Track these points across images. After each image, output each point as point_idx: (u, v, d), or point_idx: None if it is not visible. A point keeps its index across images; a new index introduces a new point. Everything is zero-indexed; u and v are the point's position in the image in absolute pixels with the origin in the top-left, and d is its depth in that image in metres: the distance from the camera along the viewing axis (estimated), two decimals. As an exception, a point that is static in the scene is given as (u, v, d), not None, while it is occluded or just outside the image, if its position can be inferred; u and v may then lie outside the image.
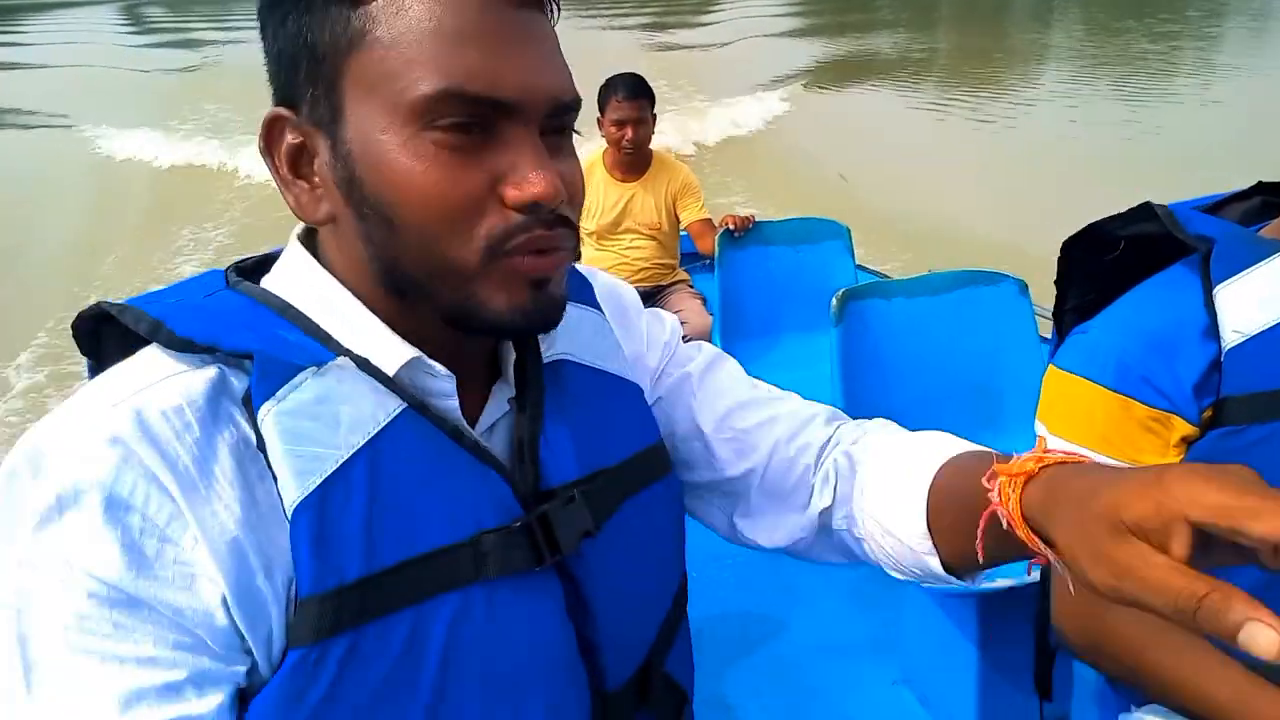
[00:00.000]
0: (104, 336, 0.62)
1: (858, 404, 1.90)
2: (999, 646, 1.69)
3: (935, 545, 0.66)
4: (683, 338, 3.13)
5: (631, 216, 3.19)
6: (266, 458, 0.53)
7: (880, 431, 0.78)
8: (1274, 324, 0.89)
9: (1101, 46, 21.05)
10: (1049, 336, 1.19)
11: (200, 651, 0.51)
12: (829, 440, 0.78)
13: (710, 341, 2.91)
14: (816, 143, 10.77)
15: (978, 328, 1.99)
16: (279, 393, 0.54)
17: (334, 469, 0.54)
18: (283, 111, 0.59)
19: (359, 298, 0.60)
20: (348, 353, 0.58)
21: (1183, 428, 0.90)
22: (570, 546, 0.62)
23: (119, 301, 0.60)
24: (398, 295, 0.59)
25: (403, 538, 0.55)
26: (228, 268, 0.66)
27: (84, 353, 0.64)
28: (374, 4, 0.55)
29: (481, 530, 0.58)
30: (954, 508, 0.63)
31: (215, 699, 0.51)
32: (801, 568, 2.40)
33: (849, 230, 2.93)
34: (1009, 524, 0.53)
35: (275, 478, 0.53)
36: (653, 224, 3.19)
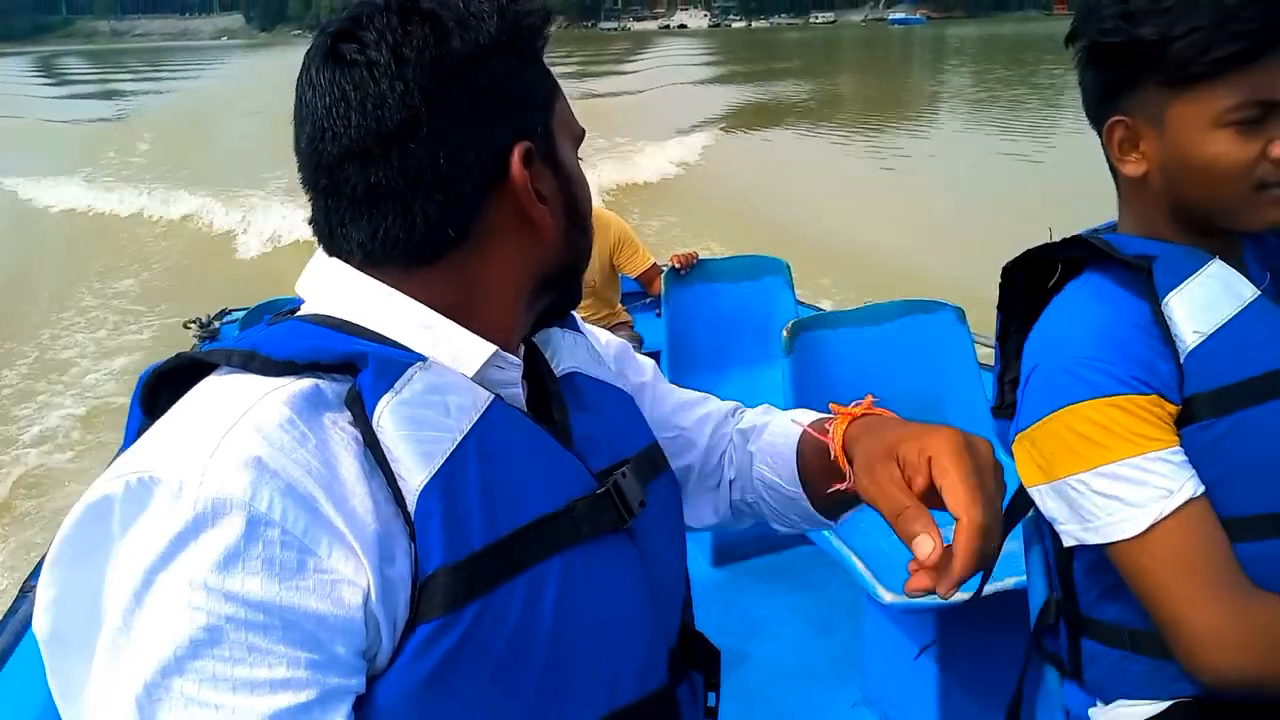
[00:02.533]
0: (161, 396, 0.62)
1: (811, 431, 1.95)
2: (956, 659, 1.74)
3: (805, 490, 0.83)
4: None
5: None
6: (377, 453, 0.57)
7: (762, 412, 0.93)
8: (1224, 323, 0.96)
9: (990, 91, 22.28)
10: (987, 362, 1.25)
11: (329, 670, 0.53)
12: (732, 426, 0.92)
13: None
14: (736, 180, 11.12)
15: (919, 354, 2.07)
16: (396, 385, 0.58)
17: (452, 449, 0.59)
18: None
19: None
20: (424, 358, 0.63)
21: (1170, 407, 0.94)
22: (636, 512, 0.68)
23: (199, 350, 0.62)
24: None
25: (513, 509, 0.60)
26: (266, 319, 0.68)
27: (146, 413, 0.63)
28: None
29: (573, 499, 0.64)
30: (813, 456, 0.81)
31: (339, 715, 0.53)
32: (758, 598, 2.46)
33: (789, 266, 3.02)
34: (833, 454, 0.73)
35: (390, 469, 0.56)
36: (589, 283, 3.20)
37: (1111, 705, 1.06)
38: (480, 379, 0.65)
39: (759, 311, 2.93)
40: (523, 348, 0.74)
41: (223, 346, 0.61)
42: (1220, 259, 1.00)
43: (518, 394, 0.68)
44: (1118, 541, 0.93)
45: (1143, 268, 0.98)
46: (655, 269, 3.21)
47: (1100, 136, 1.04)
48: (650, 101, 21.44)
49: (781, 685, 2.12)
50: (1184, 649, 0.91)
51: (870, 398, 0.82)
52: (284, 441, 0.54)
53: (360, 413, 0.57)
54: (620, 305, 3.43)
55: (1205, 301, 0.97)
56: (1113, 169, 1.06)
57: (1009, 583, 1.50)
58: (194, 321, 3.66)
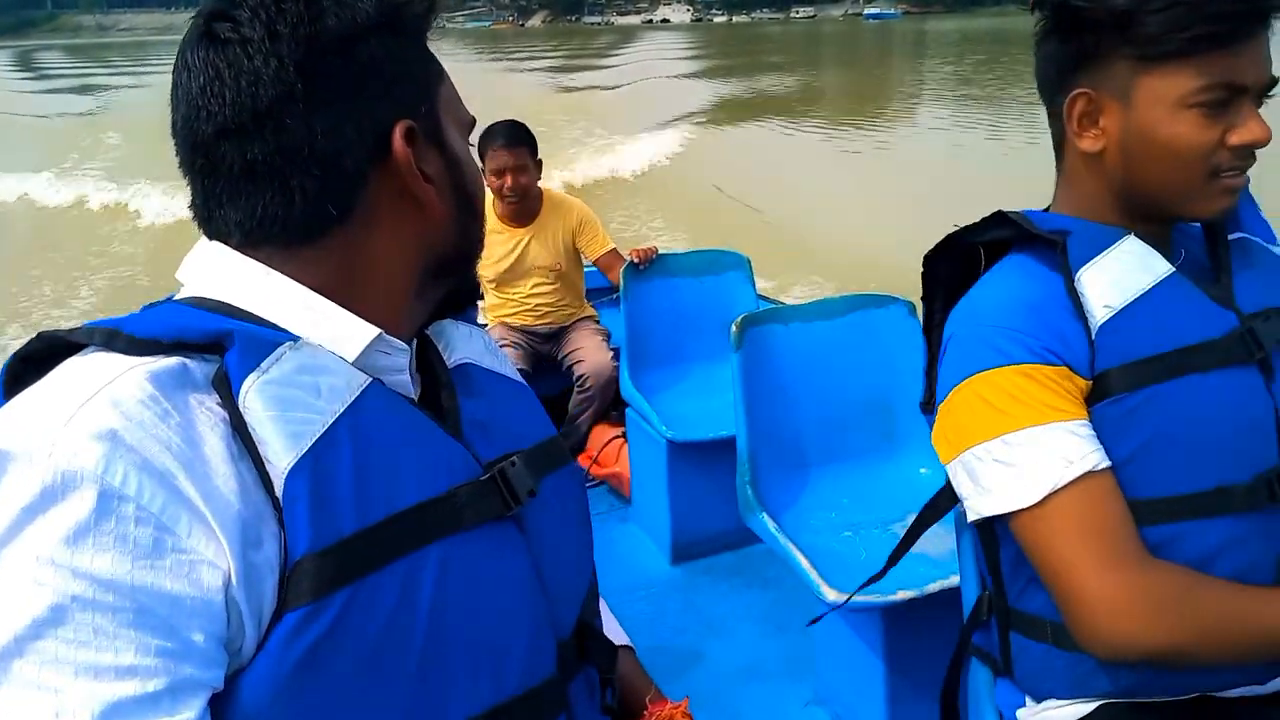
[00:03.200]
0: (24, 377, 0.60)
1: (760, 426, 1.93)
2: (904, 657, 1.72)
3: None
4: (579, 377, 3.14)
5: (529, 261, 3.15)
6: (244, 435, 0.55)
7: None
8: (1136, 299, 0.94)
9: (967, 85, 22.47)
10: None
11: (182, 660, 0.51)
12: None
13: (612, 377, 2.94)
14: (715, 173, 11.14)
15: (871, 349, 2.05)
16: (263, 364, 0.57)
17: (323, 432, 0.57)
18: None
19: None
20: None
21: (1080, 381, 0.93)
22: (524, 500, 0.67)
23: (60, 329, 0.60)
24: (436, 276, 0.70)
25: (388, 494, 0.59)
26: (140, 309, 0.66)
27: (8, 398, 0.60)
28: None
29: (455, 485, 0.63)
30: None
31: (191, 710, 0.50)
32: (715, 596, 2.44)
33: (749, 261, 2.99)
34: None
35: (257, 451, 0.55)
36: (552, 265, 3.16)
37: (1041, 705, 1.04)
38: (364, 364, 0.63)
39: (719, 306, 2.90)
40: (415, 340, 0.72)
41: (86, 325, 0.59)
42: (1137, 237, 0.98)
43: (405, 381, 0.67)
44: (1016, 512, 0.92)
45: (1056, 242, 0.96)
46: (615, 255, 3.17)
47: (1053, 108, 1.01)
48: (631, 95, 21.40)
49: (735, 684, 2.10)
50: (1077, 619, 0.89)
51: (686, 701, 0.83)
52: (143, 417, 0.52)
53: (227, 393, 0.56)
54: (586, 301, 3.40)
55: (1117, 276, 0.95)
56: (1061, 144, 1.03)
57: (953, 580, 1.48)
58: None
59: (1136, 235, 0.99)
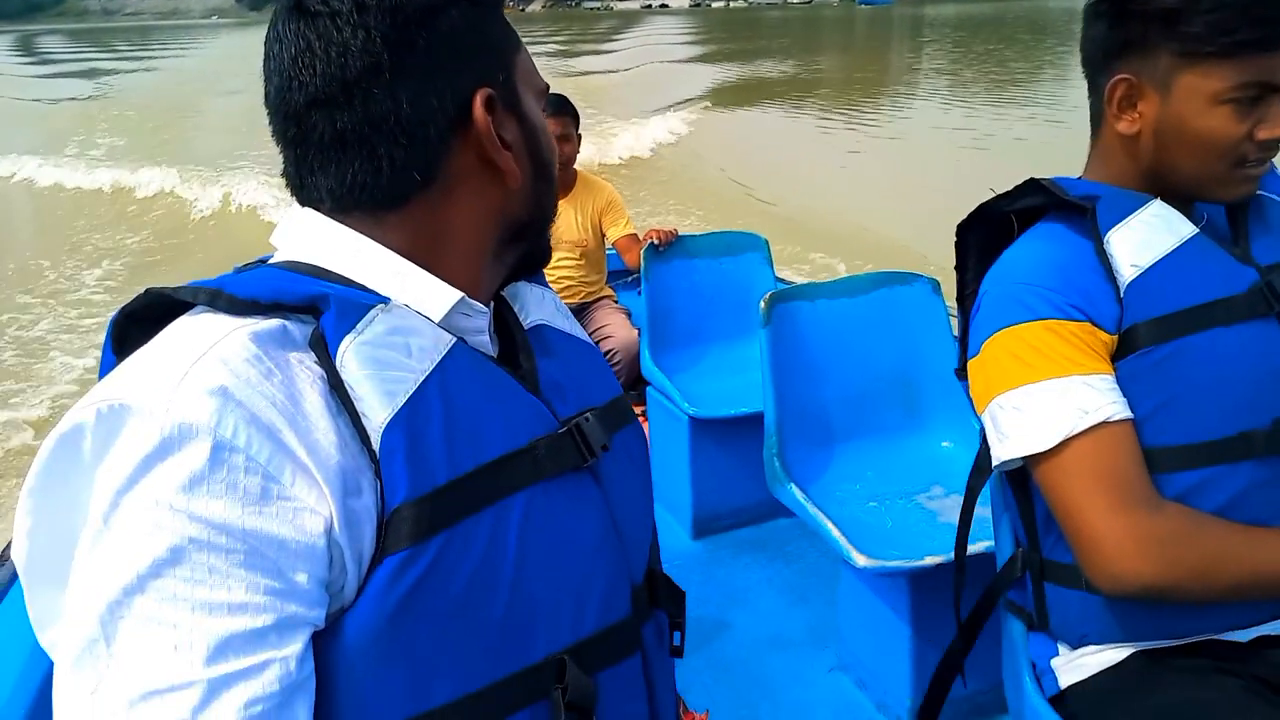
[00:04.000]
0: (130, 332, 0.64)
1: (787, 400, 1.98)
2: (929, 622, 1.77)
3: None
4: (608, 352, 3.18)
5: (557, 234, 3.20)
6: (341, 392, 0.59)
7: None
8: (1161, 258, 1.01)
9: (968, 67, 22.42)
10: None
11: (288, 598, 0.54)
12: None
13: (639, 353, 2.99)
14: (720, 156, 11.16)
15: (896, 325, 2.09)
16: (357, 326, 0.60)
17: (415, 389, 0.61)
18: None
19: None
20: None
21: (1103, 336, 0.99)
22: (598, 453, 0.70)
23: (170, 286, 0.63)
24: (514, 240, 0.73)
25: (475, 447, 0.62)
26: (234, 268, 0.70)
27: (114, 351, 0.65)
28: None
29: (535, 438, 0.66)
30: None
31: (296, 645, 0.54)
32: (737, 569, 2.50)
33: (767, 242, 3.03)
34: None
35: (354, 407, 0.58)
36: (580, 241, 3.23)
37: (1076, 653, 1.09)
38: (447, 325, 0.67)
39: (738, 287, 2.94)
40: (492, 302, 0.76)
41: (190, 285, 0.62)
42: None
43: (485, 341, 0.71)
44: (1035, 457, 0.98)
45: (1086, 207, 1.02)
46: (634, 239, 3.22)
47: (1094, 85, 1.07)
48: (634, 80, 21.33)
49: (759, 653, 2.16)
50: (1087, 557, 0.97)
51: (706, 714, 0.83)
52: (250, 374, 0.56)
53: (324, 353, 0.59)
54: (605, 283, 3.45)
55: (1145, 238, 1.02)
56: (1099, 118, 1.09)
57: (980, 546, 1.52)
58: None
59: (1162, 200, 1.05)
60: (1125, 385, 0.98)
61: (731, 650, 2.18)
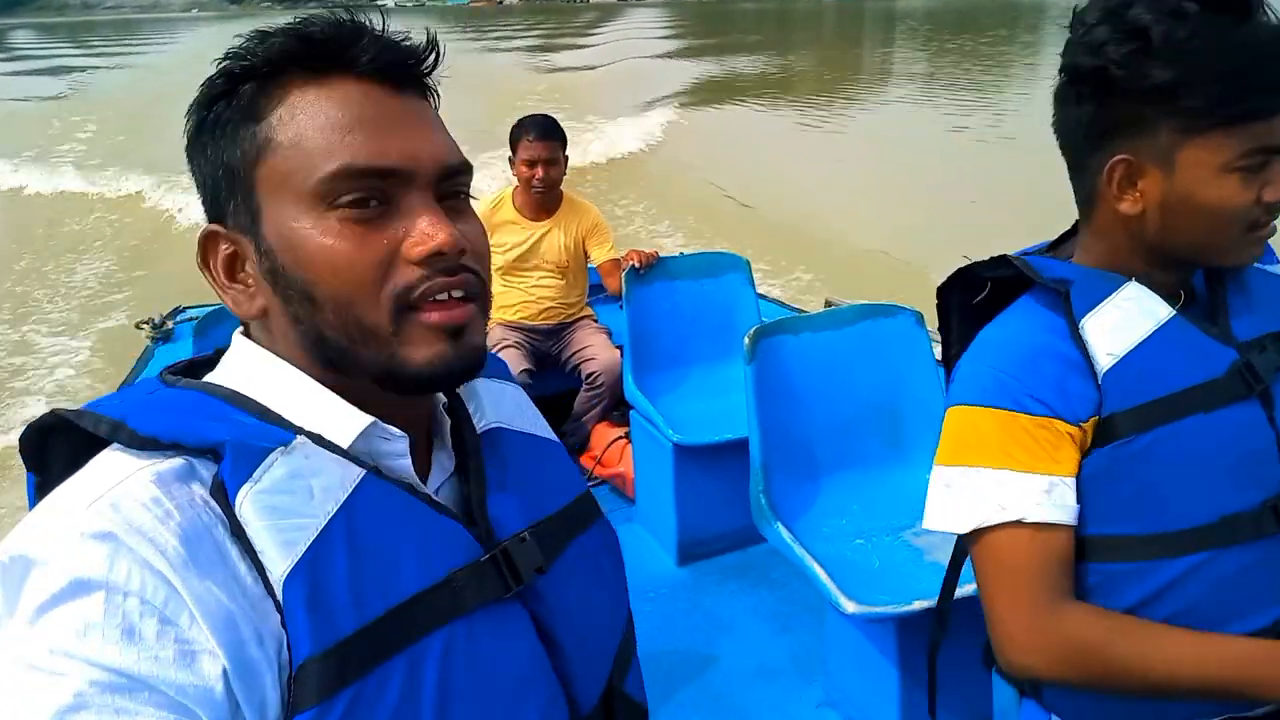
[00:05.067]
0: (50, 448, 0.63)
1: (773, 436, 1.96)
2: (917, 664, 1.76)
3: None
4: (589, 374, 3.15)
5: (540, 255, 3.20)
6: (244, 539, 0.57)
7: None
8: (1138, 344, 0.99)
9: (939, 63, 22.65)
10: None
11: None
12: None
13: (621, 375, 2.97)
14: (696, 154, 11.18)
15: (880, 358, 2.08)
16: (255, 474, 0.58)
17: (316, 535, 0.58)
18: (214, 227, 0.66)
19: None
20: (301, 431, 0.62)
21: (1066, 428, 0.97)
22: (528, 579, 0.67)
23: (74, 408, 0.62)
24: (334, 368, 0.64)
25: (385, 588, 0.60)
26: (160, 373, 0.68)
27: (30, 468, 0.65)
28: (272, 116, 0.63)
29: (453, 570, 0.63)
30: None
31: None
32: (722, 596, 2.48)
33: (749, 262, 3.02)
34: None
35: (256, 556, 0.57)
36: (561, 263, 3.21)
37: None
38: (366, 449, 0.64)
39: (720, 308, 2.93)
40: (443, 400, 0.74)
41: (92, 410, 0.61)
42: (1137, 281, 1.02)
43: (406, 465, 0.66)
44: (958, 533, 1.01)
45: (1060, 291, 1.00)
46: (616, 264, 3.20)
47: (1080, 167, 1.04)
48: (611, 77, 21.29)
49: (745, 685, 2.15)
50: (994, 640, 0.99)
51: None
52: (142, 519, 0.55)
53: (225, 502, 0.57)
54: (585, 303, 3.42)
55: (1118, 323, 0.99)
56: (1091, 201, 1.05)
57: (969, 589, 1.51)
58: (147, 322, 3.57)
59: (1143, 280, 1.02)
60: (1104, 474, 0.97)
61: (718, 683, 2.16)
